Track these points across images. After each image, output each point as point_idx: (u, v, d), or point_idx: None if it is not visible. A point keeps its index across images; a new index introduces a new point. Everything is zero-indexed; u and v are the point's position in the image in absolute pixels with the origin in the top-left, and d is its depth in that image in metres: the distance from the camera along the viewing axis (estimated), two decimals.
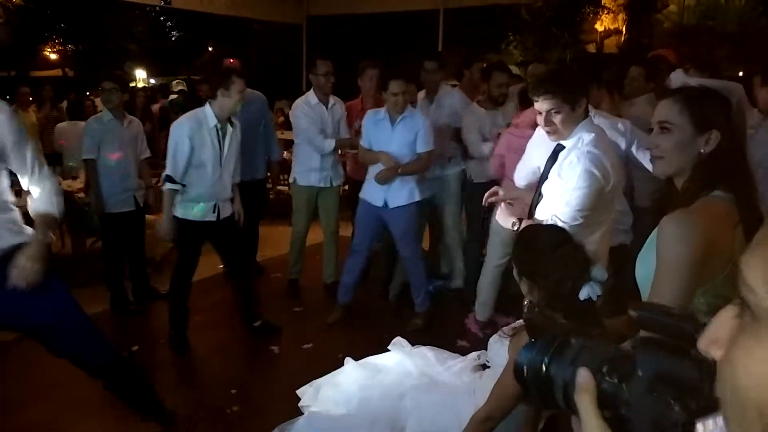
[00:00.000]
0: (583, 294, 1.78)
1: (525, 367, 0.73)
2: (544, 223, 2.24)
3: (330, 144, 4.55)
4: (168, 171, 3.66)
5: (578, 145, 2.33)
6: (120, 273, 4.71)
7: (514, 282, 1.92)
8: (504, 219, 2.46)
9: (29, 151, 2.38)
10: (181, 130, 3.63)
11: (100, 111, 4.73)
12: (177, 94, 8.24)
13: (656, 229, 1.44)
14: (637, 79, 3.62)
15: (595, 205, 2.29)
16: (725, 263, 1.35)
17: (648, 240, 1.55)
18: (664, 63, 4.18)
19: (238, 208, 4.03)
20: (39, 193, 2.42)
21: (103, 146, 4.33)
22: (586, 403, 0.63)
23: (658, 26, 16.78)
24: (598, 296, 1.74)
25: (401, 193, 4.02)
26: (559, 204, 2.28)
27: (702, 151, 1.42)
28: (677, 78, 1.44)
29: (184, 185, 3.67)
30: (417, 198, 4.07)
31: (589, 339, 0.72)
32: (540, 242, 1.85)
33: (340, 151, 4.95)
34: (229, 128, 3.74)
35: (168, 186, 3.67)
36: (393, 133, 3.97)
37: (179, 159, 3.63)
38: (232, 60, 5.07)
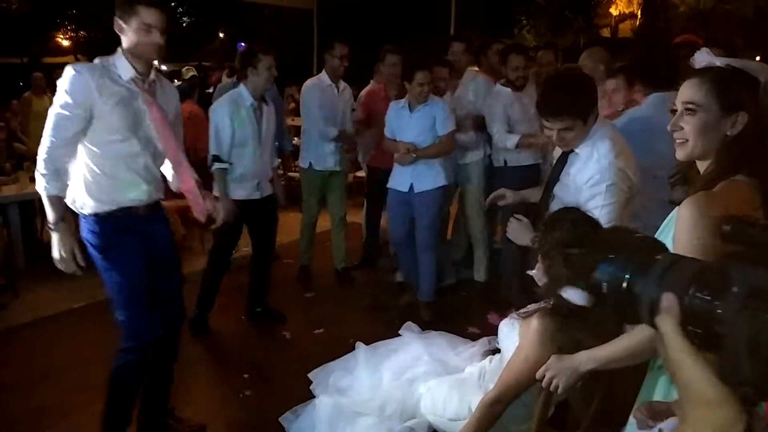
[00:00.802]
0: None
1: (605, 283, 0.72)
2: None
3: (332, 132, 4.56)
4: (213, 151, 3.69)
5: (593, 155, 2.26)
6: None
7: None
8: (519, 236, 2.36)
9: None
10: (221, 110, 3.69)
11: None
12: (187, 81, 8.22)
13: (674, 210, 1.42)
14: None
15: (622, 214, 2.27)
16: None
17: (664, 222, 1.51)
18: (691, 49, 4.09)
19: (279, 190, 4.09)
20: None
21: None
22: (670, 326, 0.64)
23: (674, 10, 16.53)
24: None
25: (427, 178, 4.03)
26: None
27: (728, 133, 1.38)
28: (702, 58, 1.38)
29: (231, 163, 3.71)
30: (442, 183, 4.06)
31: (673, 255, 0.71)
32: (572, 229, 1.81)
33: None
34: (265, 107, 3.81)
35: (217, 166, 3.69)
36: (411, 120, 3.98)
37: (223, 138, 3.68)
38: (243, 43, 5.06)
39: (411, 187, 4.03)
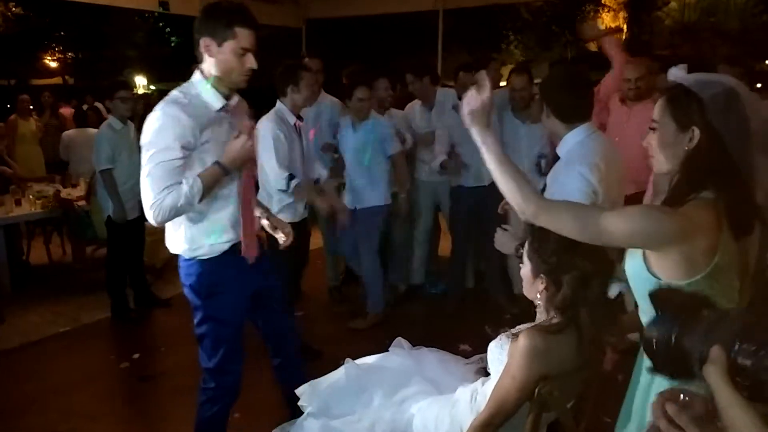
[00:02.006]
0: (613, 291, 1.77)
1: (654, 341, 0.76)
2: None
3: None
4: (285, 171, 3.44)
5: (568, 156, 2.30)
6: (123, 280, 4.70)
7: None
8: (504, 244, 2.36)
9: None
10: (274, 128, 3.46)
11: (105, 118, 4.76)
12: None
13: None
14: None
15: None
16: (706, 258, 1.37)
17: None
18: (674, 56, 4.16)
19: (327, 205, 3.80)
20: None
21: (116, 154, 4.36)
22: (717, 377, 0.67)
23: (659, 23, 16.73)
24: (623, 292, 1.74)
25: (368, 196, 4.14)
26: None
27: (686, 148, 1.42)
28: (673, 74, 1.43)
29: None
30: (382, 202, 4.17)
31: (719, 310, 0.75)
32: (565, 238, 1.81)
33: None
34: (301, 124, 3.68)
35: (294, 183, 3.46)
36: (355, 136, 4.12)
37: (283, 155, 3.47)
38: None
39: (355, 207, 4.13)
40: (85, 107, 8.66)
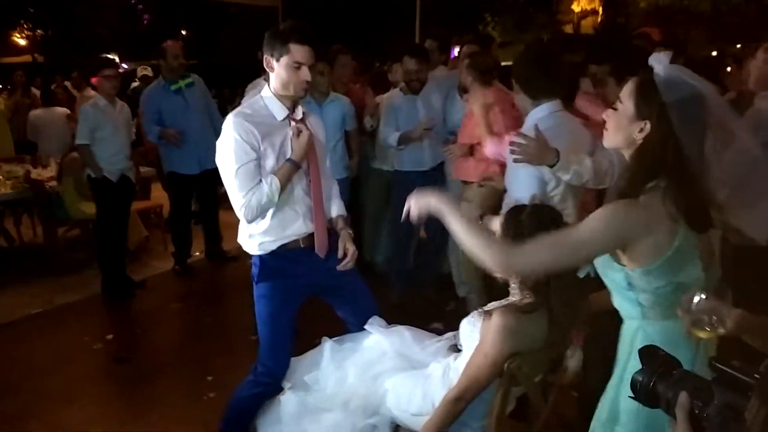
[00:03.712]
0: (581, 272, 1.80)
1: (638, 384, 1.08)
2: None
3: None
4: None
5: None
6: (115, 253, 4.68)
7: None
8: (466, 213, 2.46)
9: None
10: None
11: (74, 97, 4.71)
12: (139, 81, 8.11)
13: None
14: None
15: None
16: (662, 247, 1.44)
17: None
18: (647, 40, 4.16)
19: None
20: (333, 195, 2.66)
21: (98, 131, 4.40)
22: (682, 415, 0.97)
23: (634, 6, 16.82)
24: (589, 273, 1.77)
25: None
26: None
27: (634, 137, 1.48)
28: (654, 59, 1.45)
29: None
30: (339, 176, 4.03)
31: (686, 372, 1.06)
32: (539, 218, 1.86)
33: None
34: None
35: None
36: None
37: None
38: (170, 42, 5.00)
39: None
40: (54, 86, 8.49)
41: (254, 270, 2.51)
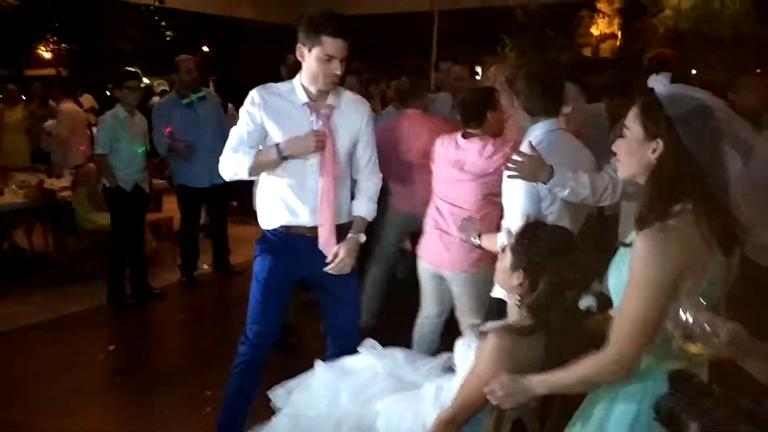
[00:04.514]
0: (583, 304, 1.78)
1: (662, 406, 1.08)
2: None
3: None
4: None
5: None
6: (122, 264, 4.72)
7: None
8: (465, 233, 2.47)
9: (371, 148, 2.63)
10: None
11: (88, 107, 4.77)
12: (159, 96, 8.24)
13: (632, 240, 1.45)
14: None
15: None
16: (699, 280, 1.37)
17: (621, 249, 1.54)
18: (661, 62, 4.12)
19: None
20: (362, 194, 2.66)
21: (116, 141, 4.49)
22: None
23: (653, 31, 16.77)
24: (591, 308, 1.75)
25: None
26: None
27: (649, 159, 1.43)
28: (653, 81, 1.43)
29: None
30: None
31: (711, 400, 1.05)
32: (555, 241, 1.82)
33: None
34: None
35: None
36: None
37: None
38: (184, 56, 5.09)
39: None
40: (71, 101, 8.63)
41: (257, 242, 2.64)
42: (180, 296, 5.04)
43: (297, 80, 2.47)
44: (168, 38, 20.18)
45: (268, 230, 2.60)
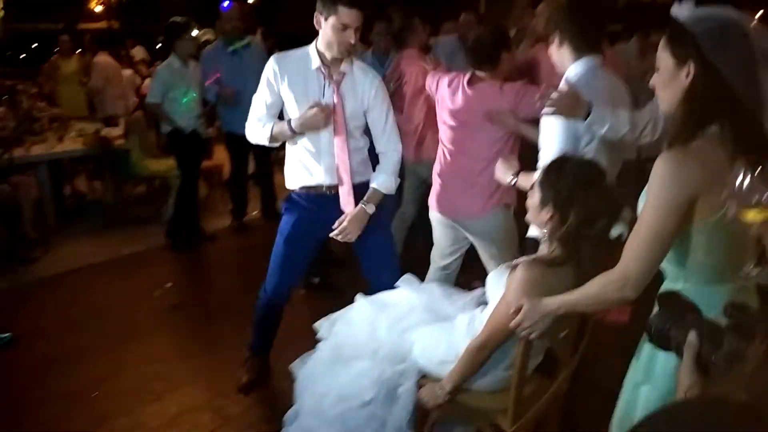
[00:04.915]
0: (614, 232, 1.81)
1: (653, 327, 1.13)
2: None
3: None
4: None
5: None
6: (187, 204, 4.95)
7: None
8: (501, 173, 2.44)
9: (386, 118, 2.71)
10: None
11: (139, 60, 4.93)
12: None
13: None
14: None
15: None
16: (721, 202, 1.32)
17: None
18: None
19: None
20: (380, 166, 2.75)
21: (171, 90, 4.67)
22: (689, 354, 1.03)
23: None
24: (623, 236, 1.77)
25: None
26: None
27: (684, 84, 1.41)
28: (674, 10, 1.41)
29: None
30: None
31: (700, 318, 1.10)
32: (581, 174, 1.86)
33: None
34: None
35: None
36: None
37: None
38: (226, 4, 5.12)
39: None
40: (123, 52, 8.82)
41: (283, 202, 2.86)
42: (230, 239, 5.25)
43: (313, 46, 2.58)
44: None
45: (292, 191, 2.79)
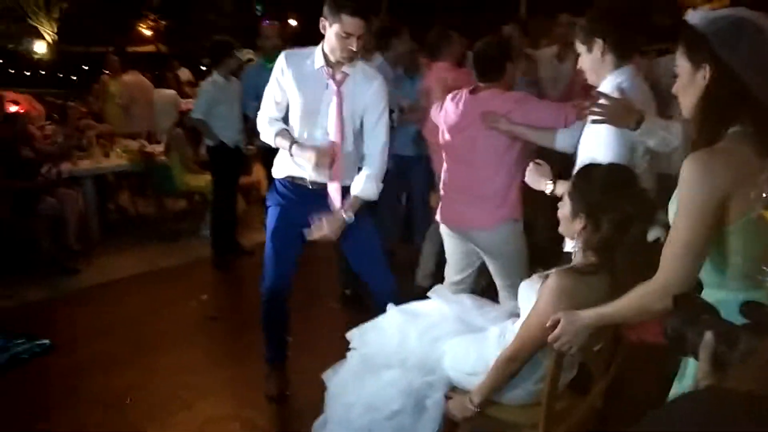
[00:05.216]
0: (652, 235, 1.76)
1: (668, 327, 1.10)
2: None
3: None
4: None
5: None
6: (223, 221, 5.03)
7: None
8: (535, 180, 2.37)
9: (380, 127, 2.73)
10: None
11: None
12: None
13: None
14: None
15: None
16: (751, 202, 1.32)
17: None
18: None
19: None
20: (365, 171, 2.75)
21: (216, 106, 4.79)
22: (705, 354, 0.99)
23: None
24: (660, 240, 1.71)
25: None
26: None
27: (702, 86, 1.39)
28: (688, 15, 1.40)
29: None
30: None
31: (716, 318, 1.07)
32: (611, 179, 1.82)
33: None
34: None
35: None
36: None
37: None
38: (267, 23, 5.28)
39: None
40: (170, 74, 9.08)
41: (266, 198, 2.90)
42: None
43: (320, 47, 2.63)
44: (259, 13, 20.83)
45: (277, 180, 2.81)
